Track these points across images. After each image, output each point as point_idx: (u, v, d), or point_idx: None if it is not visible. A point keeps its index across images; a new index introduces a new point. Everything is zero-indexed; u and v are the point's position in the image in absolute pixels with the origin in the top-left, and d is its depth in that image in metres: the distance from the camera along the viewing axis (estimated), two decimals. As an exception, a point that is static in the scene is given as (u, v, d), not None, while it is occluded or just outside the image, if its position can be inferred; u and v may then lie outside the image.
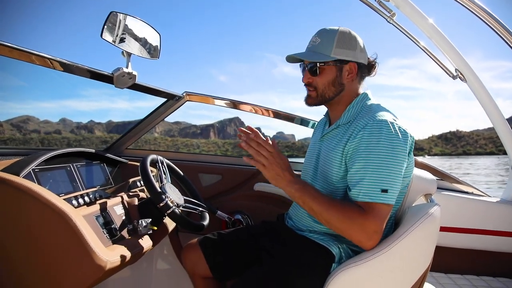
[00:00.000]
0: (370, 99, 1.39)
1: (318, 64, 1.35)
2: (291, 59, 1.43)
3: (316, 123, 1.70)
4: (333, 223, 1.19)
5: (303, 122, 2.39)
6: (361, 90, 1.42)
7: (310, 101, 1.42)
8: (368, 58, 1.42)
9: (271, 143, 1.23)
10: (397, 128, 1.21)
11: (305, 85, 1.42)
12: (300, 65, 1.44)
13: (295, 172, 1.27)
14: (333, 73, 1.36)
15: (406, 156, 1.22)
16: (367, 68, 1.42)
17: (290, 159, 1.63)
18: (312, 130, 1.75)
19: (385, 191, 1.15)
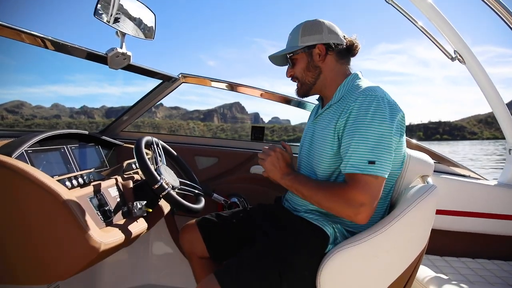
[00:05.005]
0: (360, 79, 1.40)
1: (289, 55, 1.47)
2: (273, 60, 1.56)
3: (313, 108, 1.71)
4: (322, 203, 1.26)
5: (300, 104, 2.38)
6: (349, 71, 1.47)
7: (298, 91, 1.52)
8: (347, 38, 1.46)
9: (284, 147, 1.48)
10: (386, 102, 1.23)
11: (291, 80, 1.52)
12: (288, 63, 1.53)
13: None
14: (305, 59, 1.45)
15: (396, 130, 1.23)
16: (347, 48, 1.46)
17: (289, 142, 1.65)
18: (309, 113, 1.76)
19: (372, 162, 1.16)
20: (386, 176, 1.19)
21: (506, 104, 2.14)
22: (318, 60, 1.43)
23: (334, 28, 1.45)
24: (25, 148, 1.33)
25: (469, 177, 2.23)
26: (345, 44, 1.44)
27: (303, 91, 1.50)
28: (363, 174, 1.17)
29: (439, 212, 2.10)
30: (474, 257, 2.07)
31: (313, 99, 1.65)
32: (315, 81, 1.45)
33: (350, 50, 1.46)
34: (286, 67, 1.53)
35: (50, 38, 1.53)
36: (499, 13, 1.96)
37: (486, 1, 1.93)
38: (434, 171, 2.19)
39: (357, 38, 1.47)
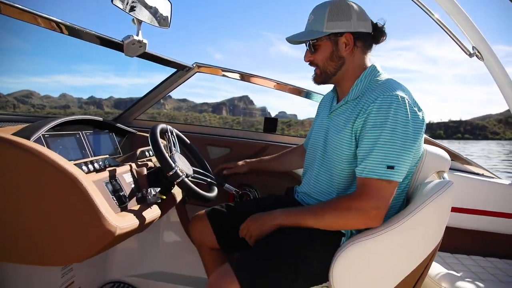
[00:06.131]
0: (379, 73, 1.35)
1: (311, 41, 1.36)
2: (292, 41, 1.43)
3: (322, 97, 1.67)
4: (335, 224, 1.23)
5: (308, 95, 2.38)
6: (368, 62, 1.39)
7: (316, 79, 1.43)
8: (376, 24, 1.38)
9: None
10: (407, 104, 1.18)
11: (309, 65, 1.43)
12: (305, 45, 1.42)
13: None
14: (329, 47, 1.34)
15: (417, 133, 1.20)
16: (374, 35, 1.37)
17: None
18: (315, 104, 1.73)
19: (391, 167, 1.14)
20: (401, 180, 1.18)
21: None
22: (344, 50, 1.33)
23: (364, 13, 1.34)
24: (42, 132, 1.35)
25: (483, 175, 2.20)
26: (372, 31, 1.36)
27: (321, 79, 1.41)
28: (378, 179, 1.15)
29: (451, 209, 2.08)
30: (485, 256, 2.05)
31: (320, 90, 1.61)
32: (336, 72, 1.37)
33: (376, 38, 1.38)
34: (305, 50, 1.41)
35: (65, 22, 1.53)
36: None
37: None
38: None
39: (385, 24, 1.38)
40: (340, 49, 1.34)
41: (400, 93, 1.20)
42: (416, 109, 1.21)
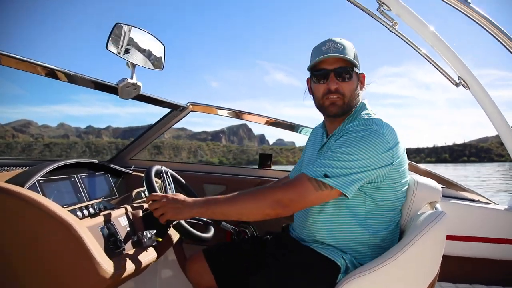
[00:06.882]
0: (366, 109, 1.38)
1: (349, 69, 1.31)
2: (320, 60, 1.31)
3: (311, 131, 1.69)
4: (246, 208, 1.23)
5: (298, 129, 2.43)
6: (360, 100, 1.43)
7: (336, 109, 1.34)
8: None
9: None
10: (378, 135, 1.21)
11: (327, 93, 1.32)
12: (313, 73, 1.36)
13: None
14: (356, 82, 1.35)
15: (381, 161, 1.21)
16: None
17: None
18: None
19: (327, 176, 1.16)
20: (334, 193, 1.17)
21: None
22: (360, 89, 1.37)
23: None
24: (37, 178, 1.36)
25: (478, 201, 2.21)
26: None
27: (341, 111, 1.34)
28: (310, 178, 1.17)
29: (450, 237, 2.07)
30: (488, 284, 2.03)
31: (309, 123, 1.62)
32: (352, 109, 1.36)
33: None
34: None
35: (62, 70, 1.58)
36: (499, 38, 1.98)
37: (486, 28, 1.96)
38: (443, 196, 2.17)
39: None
40: (359, 87, 1.38)
41: (375, 127, 1.23)
42: (386, 140, 1.21)
